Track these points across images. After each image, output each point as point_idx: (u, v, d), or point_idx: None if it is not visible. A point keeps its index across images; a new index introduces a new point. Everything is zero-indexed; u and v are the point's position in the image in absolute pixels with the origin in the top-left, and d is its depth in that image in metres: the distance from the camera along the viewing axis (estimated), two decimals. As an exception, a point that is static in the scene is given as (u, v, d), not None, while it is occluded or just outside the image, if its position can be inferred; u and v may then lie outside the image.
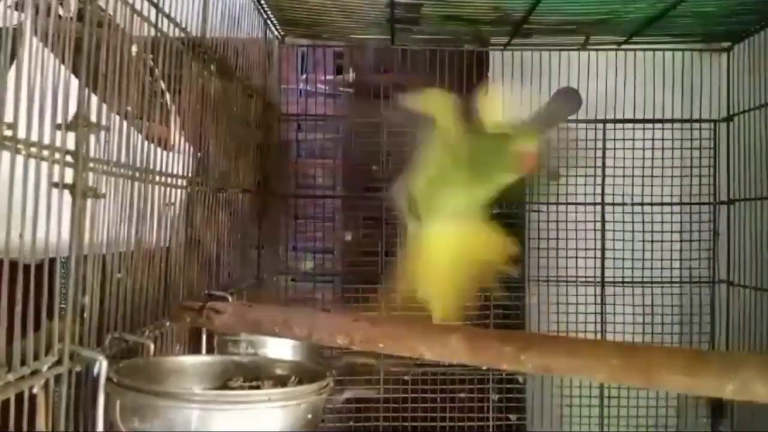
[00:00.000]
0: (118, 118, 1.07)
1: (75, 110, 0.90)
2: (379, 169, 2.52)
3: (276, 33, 2.45)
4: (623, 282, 2.46)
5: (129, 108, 1.10)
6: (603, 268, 2.47)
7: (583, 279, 2.48)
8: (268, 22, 2.31)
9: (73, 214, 0.92)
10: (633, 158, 2.45)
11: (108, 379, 0.91)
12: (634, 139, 2.46)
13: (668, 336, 2.42)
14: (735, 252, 2.37)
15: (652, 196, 2.45)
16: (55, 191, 0.87)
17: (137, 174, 1.15)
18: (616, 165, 2.47)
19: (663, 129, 2.46)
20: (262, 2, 2.15)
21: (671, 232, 2.45)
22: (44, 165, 0.85)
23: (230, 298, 1.41)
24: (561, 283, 2.48)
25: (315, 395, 0.97)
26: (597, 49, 2.45)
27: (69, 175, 0.91)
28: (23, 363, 0.80)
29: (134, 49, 1.11)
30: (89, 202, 0.95)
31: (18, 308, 0.76)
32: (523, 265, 2.50)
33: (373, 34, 2.50)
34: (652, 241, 2.44)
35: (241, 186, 1.97)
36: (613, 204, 2.47)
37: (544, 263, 2.50)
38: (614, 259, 2.47)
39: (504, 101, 1.85)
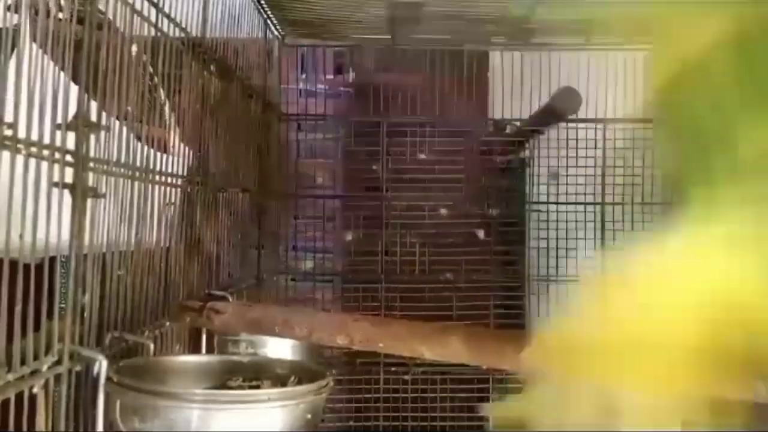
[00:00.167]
0: (117, 118, 1.07)
1: (75, 111, 0.90)
2: (379, 169, 2.53)
3: (276, 33, 2.45)
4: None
5: (129, 108, 1.11)
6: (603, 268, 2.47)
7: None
8: (268, 22, 2.31)
9: (73, 214, 0.92)
10: (633, 158, 2.45)
11: (108, 378, 0.92)
12: (633, 139, 2.46)
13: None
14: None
15: (652, 195, 2.45)
16: (55, 191, 0.87)
17: (136, 174, 1.15)
18: (616, 165, 2.47)
19: (663, 129, 2.46)
20: (262, 2, 2.15)
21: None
22: (44, 165, 0.85)
23: (230, 298, 1.41)
24: (561, 283, 2.48)
25: (315, 395, 0.97)
26: (597, 49, 2.45)
27: (69, 175, 0.91)
28: (23, 363, 0.80)
29: (134, 49, 1.11)
30: (89, 201, 0.95)
31: (18, 308, 0.76)
32: (523, 265, 2.51)
33: (374, 34, 2.50)
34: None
35: (241, 186, 1.97)
36: (613, 204, 2.47)
37: (544, 263, 2.50)
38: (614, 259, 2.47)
39: None
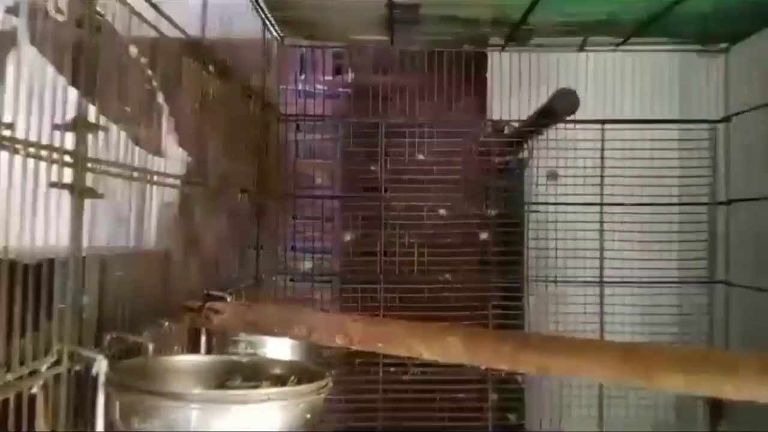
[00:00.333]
0: (116, 119, 1.07)
1: (74, 111, 0.90)
2: (378, 170, 2.53)
3: (275, 34, 2.45)
4: (622, 282, 2.47)
5: (127, 108, 1.11)
6: (602, 268, 2.48)
7: (583, 279, 2.49)
8: (267, 22, 2.31)
9: (71, 214, 0.92)
10: (632, 159, 2.46)
11: (108, 379, 0.92)
12: (632, 140, 2.46)
13: (667, 335, 2.42)
14: (733, 252, 2.38)
15: (650, 196, 2.46)
16: (54, 191, 0.87)
17: (135, 174, 1.15)
18: (615, 165, 2.47)
19: (661, 130, 2.46)
20: (261, 3, 2.15)
21: (669, 232, 2.45)
22: (43, 165, 0.85)
23: (229, 298, 1.41)
24: (561, 283, 2.48)
25: (314, 395, 0.97)
26: (595, 51, 2.45)
27: (67, 176, 0.91)
28: (22, 363, 0.80)
29: (133, 50, 1.11)
30: (88, 201, 0.95)
31: (17, 308, 0.76)
32: (522, 265, 2.51)
33: (372, 34, 2.50)
34: (650, 242, 2.45)
35: (239, 186, 1.97)
36: (613, 204, 2.47)
37: (543, 263, 2.50)
38: (613, 259, 2.47)
39: None
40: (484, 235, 2.54)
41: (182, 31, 1.38)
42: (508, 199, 2.55)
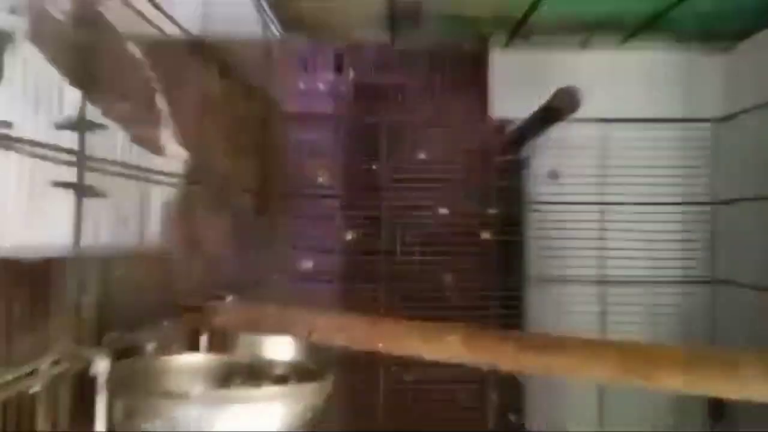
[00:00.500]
0: (116, 119, 1.07)
1: (74, 111, 0.90)
2: (379, 169, 2.53)
3: (276, 32, 2.45)
4: (623, 281, 2.47)
5: (128, 108, 1.10)
6: (603, 267, 2.48)
7: (584, 279, 2.48)
8: (268, 21, 2.31)
9: (73, 213, 0.92)
10: (633, 158, 2.45)
11: (108, 378, 0.91)
12: (634, 139, 2.46)
13: (668, 335, 2.42)
14: (734, 251, 2.37)
15: (652, 195, 2.45)
16: (55, 191, 0.87)
17: (136, 173, 1.15)
18: (616, 165, 2.47)
19: (662, 129, 2.46)
20: (263, 2, 2.15)
21: (670, 231, 2.45)
22: (44, 165, 0.85)
23: (229, 298, 1.41)
24: (561, 282, 2.48)
25: (315, 395, 0.97)
26: (597, 49, 2.45)
27: (68, 175, 0.91)
28: (22, 362, 0.80)
29: (134, 49, 1.11)
30: (89, 201, 0.95)
31: (17, 307, 0.76)
32: (523, 265, 2.51)
33: (373, 34, 2.50)
34: (651, 241, 2.45)
35: (241, 185, 1.97)
36: (613, 204, 2.47)
37: (545, 262, 2.50)
38: (614, 258, 2.47)
39: None
40: (485, 235, 2.54)
41: (183, 29, 1.38)
42: (509, 198, 2.55)
